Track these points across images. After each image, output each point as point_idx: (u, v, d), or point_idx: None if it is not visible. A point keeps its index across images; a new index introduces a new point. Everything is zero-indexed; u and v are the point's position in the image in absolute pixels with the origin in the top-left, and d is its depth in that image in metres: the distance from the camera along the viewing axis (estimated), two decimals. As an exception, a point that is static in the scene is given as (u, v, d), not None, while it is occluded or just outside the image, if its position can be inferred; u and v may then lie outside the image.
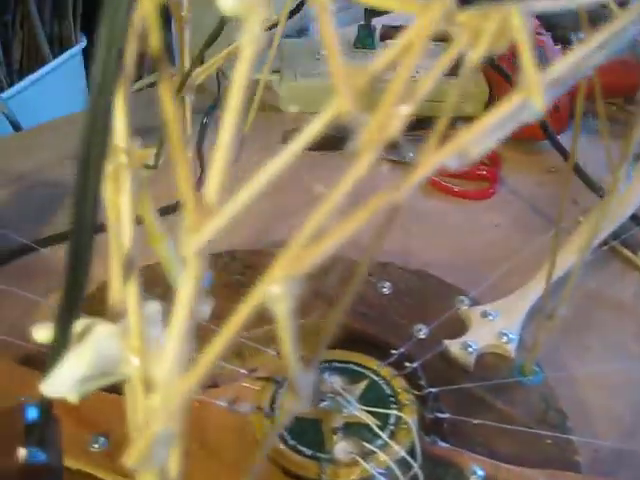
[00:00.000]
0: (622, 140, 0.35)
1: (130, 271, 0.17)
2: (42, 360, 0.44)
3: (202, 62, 0.70)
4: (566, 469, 0.40)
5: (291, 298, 0.14)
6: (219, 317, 0.17)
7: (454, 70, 0.15)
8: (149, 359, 0.17)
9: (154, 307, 0.18)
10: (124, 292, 0.17)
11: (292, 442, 0.35)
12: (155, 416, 0.14)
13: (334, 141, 0.62)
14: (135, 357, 0.17)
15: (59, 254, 0.53)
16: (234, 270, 0.51)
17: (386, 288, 0.50)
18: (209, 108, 0.68)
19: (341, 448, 0.34)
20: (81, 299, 0.16)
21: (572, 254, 0.46)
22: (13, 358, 0.43)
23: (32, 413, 0.19)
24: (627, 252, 0.60)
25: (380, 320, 0.47)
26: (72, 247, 0.15)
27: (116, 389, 0.18)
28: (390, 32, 0.80)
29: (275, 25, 0.77)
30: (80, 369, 0.16)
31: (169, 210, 0.56)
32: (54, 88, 1.31)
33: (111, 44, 0.13)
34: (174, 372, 0.14)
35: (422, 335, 0.46)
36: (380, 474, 0.34)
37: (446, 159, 0.14)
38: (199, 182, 0.59)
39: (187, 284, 0.14)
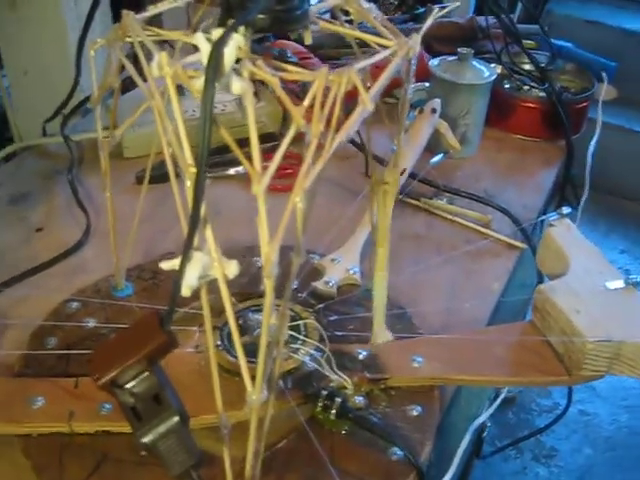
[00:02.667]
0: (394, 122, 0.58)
1: (205, 223, 0.36)
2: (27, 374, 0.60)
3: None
4: (415, 339, 0.64)
5: (305, 203, 0.34)
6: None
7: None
8: (223, 263, 0.36)
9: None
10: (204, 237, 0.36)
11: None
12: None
13: (161, 176, 0.82)
14: (216, 263, 0.36)
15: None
16: (147, 277, 0.69)
17: (259, 263, 0.71)
18: (69, 169, 0.85)
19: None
20: (193, 243, 0.35)
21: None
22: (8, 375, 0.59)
23: (159, 315, 0.37)
24: (412, 201, 0.85)
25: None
26: (192, 211, 0.34)
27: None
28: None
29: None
30: (196, 272, 0.35)
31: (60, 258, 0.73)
32: None
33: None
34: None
35: (295, 285, 0.67)
36: (307, 361, 0.55)
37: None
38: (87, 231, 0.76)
39: (261, 206, 0.34)
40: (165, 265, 0.36)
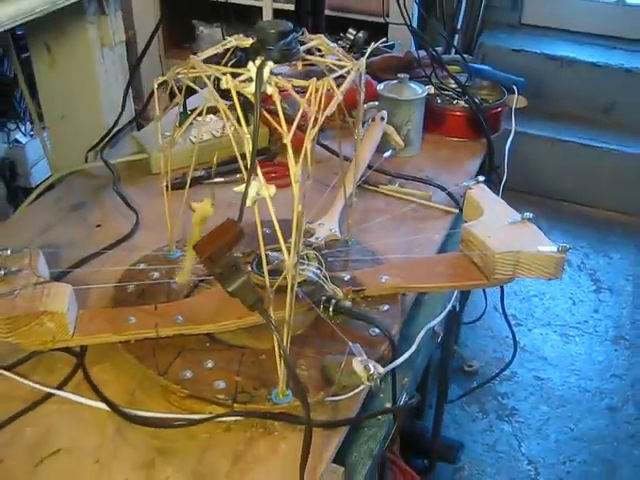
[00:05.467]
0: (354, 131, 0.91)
1: (256, 166, 0.67)
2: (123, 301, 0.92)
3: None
4: (380, 269, 0.96)
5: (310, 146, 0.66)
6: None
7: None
8: (267, 186, 0.68)
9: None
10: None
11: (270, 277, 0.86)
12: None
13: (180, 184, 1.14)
14: (265, 187, 0.68)
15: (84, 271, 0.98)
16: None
17: (267, 230, 1.03)
18: (114, 182, 1.16)
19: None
20: (252, 176, 0.66)
21: (349, 186, 1.03)
22: (106, 305, 0.90)
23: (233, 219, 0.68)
24: (372, 187, 1.18)
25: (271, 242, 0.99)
26: (250, 159, 0.65)
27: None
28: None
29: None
30: (254, 191, 0.67)
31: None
32: None
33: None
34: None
35: (296, 242, 0.99)
36: (311, 275, 0.86)
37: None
38: (137, 222, 1.07)
39: (289, 148, 0.66)
40: (237, 189, 0.68)
